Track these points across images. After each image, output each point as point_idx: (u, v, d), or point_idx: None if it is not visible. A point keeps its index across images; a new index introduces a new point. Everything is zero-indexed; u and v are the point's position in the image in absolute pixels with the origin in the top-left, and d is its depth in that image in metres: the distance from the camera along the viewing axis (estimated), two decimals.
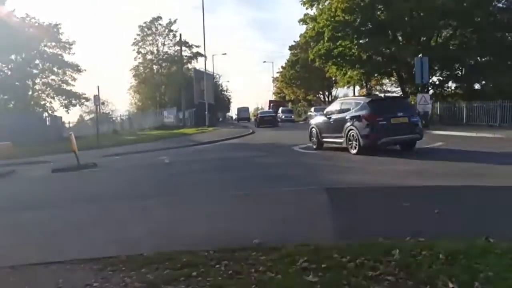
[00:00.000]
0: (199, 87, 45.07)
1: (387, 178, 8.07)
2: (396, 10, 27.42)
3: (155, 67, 60.39)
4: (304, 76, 59.85)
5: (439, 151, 12.71)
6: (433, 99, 25.03)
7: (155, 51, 59.62)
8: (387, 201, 5.81)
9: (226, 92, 79.21)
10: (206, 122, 38.80)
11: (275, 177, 9.21)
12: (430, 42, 29.54)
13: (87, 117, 57.09)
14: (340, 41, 30.43)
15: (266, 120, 38.08)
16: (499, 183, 6.94)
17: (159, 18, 58.69)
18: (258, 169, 10.77)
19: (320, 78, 53.46)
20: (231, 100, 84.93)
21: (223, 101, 74.09)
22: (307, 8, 33.30)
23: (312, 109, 42.92)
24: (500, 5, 28.15)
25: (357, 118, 11.98)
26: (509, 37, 28.39)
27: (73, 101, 45.05)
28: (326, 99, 62.64)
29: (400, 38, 30.71)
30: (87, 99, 45.46)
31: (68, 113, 45.85)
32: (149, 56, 59.87)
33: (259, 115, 41.29)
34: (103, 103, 50.39)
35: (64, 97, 44.56)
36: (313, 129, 14.44)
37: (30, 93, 43.43)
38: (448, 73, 30.81)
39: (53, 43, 43.75)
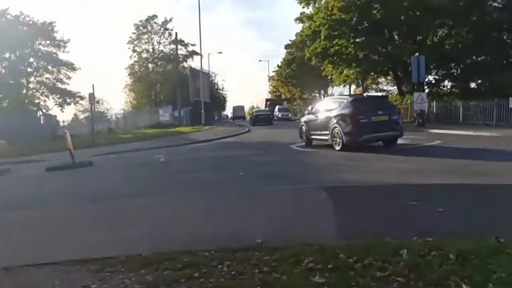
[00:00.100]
0: (194, 85, 44.94)
1: (387, 176, 7.96)
2: (392, 9, 27.47)
3: (150, 65, 60.24)
4: (300, 74, 59.85)
5: (438, 149, 12.65)
6: (429, 98, 25.01)
7: (151, 50, 59.55)
8: (390, 199, 5.71)
9: (222, 90, 79.20)
10: (202, 120, 38.66)
11: (273, 175, 9.10)
12: (426, 41, 29.56)
13: (81, 116, 56.90)
14: (336, 40, 30.43)
15: (261, 118, 39.23)
16: (502, 181, 6.87)
17: (155, 16, 58.69)
18: (255, 168, 10.65)
19: (316, 77, 53.40)
20: (226, 99, 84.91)
21: (218, 100, 73.94)
22: (303, 7, 33.32)
23: (310, 107, 43.00)
24: (496, 4, 28.24)
25: (341, 116, 12.62)
26: (504, 36, 28.47)
27: (68, 100, 44.90)
28: (322, 97, 62.59)
29: (396, 37, 30.74)
30: (82, 98, 45.34)
31: (63, 111, 45.79)
32: (144, 55, 59.79)
33: (254, 114, 42.44)
34: (98, 102, 50.24)
35: (58, 96, 44.37)
36: (303, 126, 15.30)
37: (24, 91, 43.19)
38: (444, 71, 30.89)
39: (48, 41, 43.50)
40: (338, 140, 12.60)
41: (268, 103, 60.49)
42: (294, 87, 66.30)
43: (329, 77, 47.35)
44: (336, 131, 12.68)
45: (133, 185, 9.27)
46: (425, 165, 9.42)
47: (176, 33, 50.32)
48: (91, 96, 23.56)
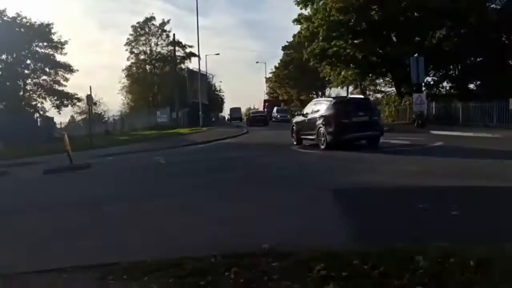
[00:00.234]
0: (192, 87, 44.75)
1: (394, 178, 7.74)
2: (390, 10, 27.34)
3: (148, 67, 59.98)
4: (298, 76, 59.82)
5: (441, 151, 12.56)
6: (428, 99, 24.93)
7: (148, 51, 59.23)
8: (399, 202, 5.58)
9: (220, 92, 79.07)
10: (200, 122, 38.50)
11: (277, 177, 8.95)
12: (425, 42, 29.47)
13: (78, 118, 56.67)
14: (334, 41, 30.28)
15: (257, 120, 40.32)
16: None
17: (153, 18, 58.42)
18: (258, 170, 10.50)
19: (313, 78, 53.40)
20: (224, 100, 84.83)
21: (216, 101, 73.83)
22: (301, 8, 33.14)
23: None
24: (494, 5, 28.18)
25: (325, 117, 13.43)
26: (503, 38, 28.41)
27: (65, 102, 44.65)
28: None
29: (394, 38, 30.63)
30: (79, 100, 45.18)
31: (60, 113, 45.54)
32: (142, 56, 59.49)
33: (250, 115, 43.84)
34: (95, 104, 49.89)
35: (55, 98, 44.11)
36: (294, 127, 16.28)
37: (21, 93, 42.97)
38: (442, 72, 30.81)
39: (45, 43, 43.23)
40: (322, 139, 13.38)
41: (266, 104, 60.59)
42: (292, 88, 66.24)
43: (326, 79, 47.26)
44: (321, 131, 13.46)
45: (133, 188, 9.11)
46: (432, 166, 9.25)
47: (173, 35, 50.36)
48: (89, 97, 23.37)
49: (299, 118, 16.00)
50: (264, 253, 3.83)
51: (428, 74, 29.24)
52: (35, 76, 44.26)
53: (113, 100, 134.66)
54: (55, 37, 43.23)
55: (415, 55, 23.06)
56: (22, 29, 40.91)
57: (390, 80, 35.56)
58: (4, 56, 41.00)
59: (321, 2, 30.90)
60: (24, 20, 41.38)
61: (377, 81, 41.19)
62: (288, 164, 11.31)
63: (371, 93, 44.06)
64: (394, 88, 34.16)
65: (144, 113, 50.14)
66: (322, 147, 13.35)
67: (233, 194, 7.33)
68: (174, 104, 42.80)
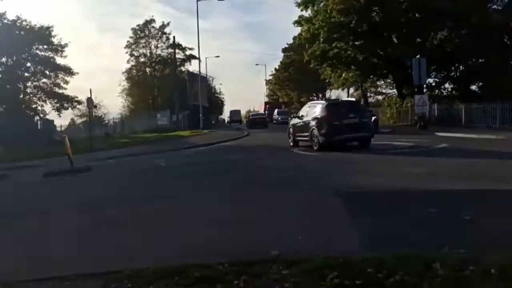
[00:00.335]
0: (192, 89, 44.65)
1: (402, 181, 7.52)
2: (391, 11, 27.24)
3: (148, 69, 59.83)
4: (298, 78, 59.71)
5: (447, 152, 12.43)
6: (430, 101, 24.79)
7: (148, 54, 59.09)
8: (410, 206, 5.42)
9: (220, 94, 78.92)
10: (200, 124, 38.38)
11: (281, 180, 8.82)
12: (426, 43, 29.37)
13: (78, 121, 56.54)
14: (335, 43, 30.18)
15: (257, 122, 40.74)
16: None
17: (152, 21, 58.30)
18: (258, 172, 10.38)
19: (314, 80, 53.28)
20: (224, 103, 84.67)
21: (216, 104, 73.68)
22: (301, 10, 33.06)
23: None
24: (496, 6, 28.11)
25: (317, 119, 13.82)
26: (505, 39, 28.30)
27: (65, 105, 44.48)
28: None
29: (395, 39, 30.53)
30: (79, 102, 45.02)
31: (60, 116, 45.38)
32: (142, 59, 59.31)
33: (250, 117, 44.34)
34: (95, 106, 49.77)
35: (56, 100, 43.97)
36: (290, 129, 16.59)
37: (21, 96, 42.83)
38: (443, 73, 30.68)
39: (45, 46, 43.13)
40: (315, 140, 13.79)
41: (267, 106, 60.43)
42: (292, 90, 66.12)
43: (327, 81, 47.16)
44: (314, 133, 13.88)
45: (134, 191, 8.96)
46: (438, 168, 9.11)
47: (174, 37, 50.21)
48: (89, 100, 23.21)
49: (295, 121, 16.37)
50: (274, 260, 3.71)
51: (429, 75, 29.13)
52: (35, 79, 44.14)
53: (113, 103, 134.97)
54: (55, 40, 43.17)
55: (417, 57, 22.95)
56: (22, 32, 40.81)
57: (391, 82, 35.42)
58: (4, 59, 40.87)
59: (321, 4, 30.83)
60: (24, 23, 41.30)
61: (378, 82, 41.09)
62: (287, 166, 11.22)
63: (372, 95, 43.98)
64: (395, 90, 34.03)
65: (144, 115, 50.01)
66: (315, 148, 13.67)
67: (233, 197, 7.26)
68: (174, 107, 42.70)
